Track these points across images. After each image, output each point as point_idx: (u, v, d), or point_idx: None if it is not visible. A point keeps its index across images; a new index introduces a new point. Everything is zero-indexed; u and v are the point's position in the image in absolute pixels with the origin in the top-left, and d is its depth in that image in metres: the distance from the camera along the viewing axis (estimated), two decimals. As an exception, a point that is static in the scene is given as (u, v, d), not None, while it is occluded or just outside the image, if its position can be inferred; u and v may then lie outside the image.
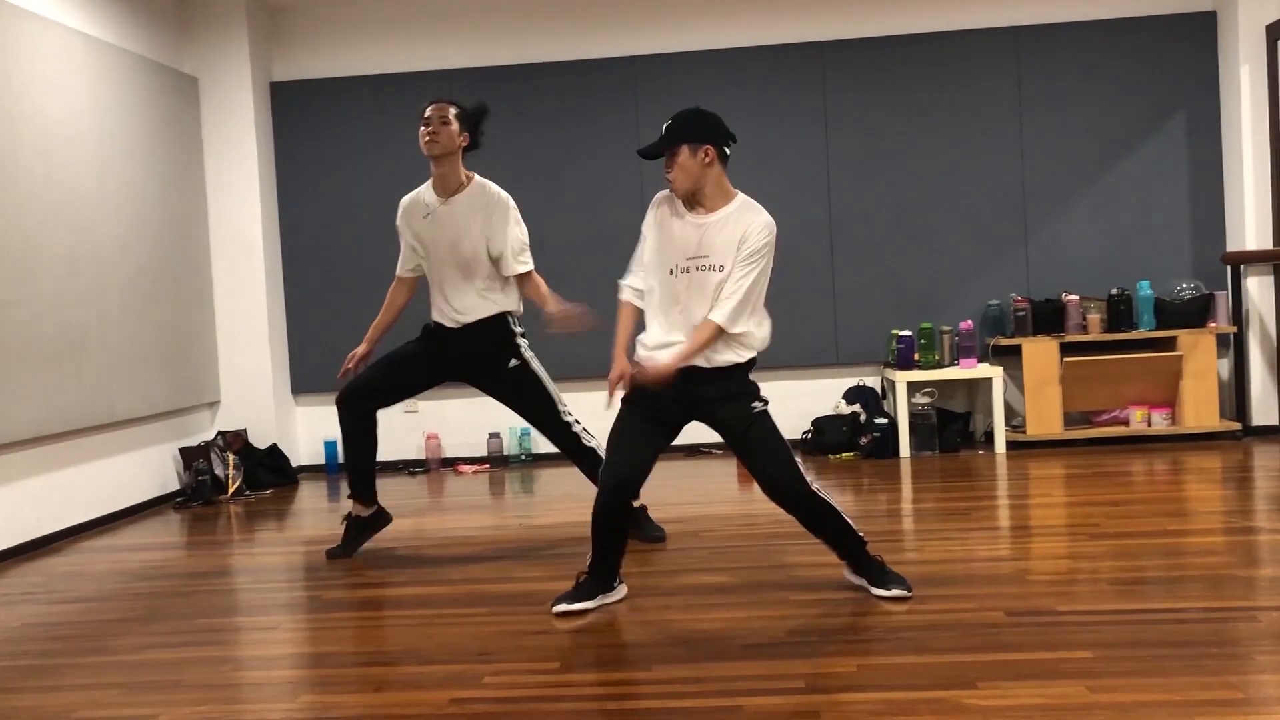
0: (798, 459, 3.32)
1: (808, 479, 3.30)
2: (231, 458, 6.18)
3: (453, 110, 4.17)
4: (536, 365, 4.26)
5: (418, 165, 6.74)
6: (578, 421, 4.30)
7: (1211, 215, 6.50)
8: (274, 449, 6.52)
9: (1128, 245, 6.54)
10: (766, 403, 3.37)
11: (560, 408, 4.27)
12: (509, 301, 4.21)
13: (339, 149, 6.85)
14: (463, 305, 4.17)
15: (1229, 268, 6.34)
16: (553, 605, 3.41)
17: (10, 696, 2.94)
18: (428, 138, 4.15)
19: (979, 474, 5.62)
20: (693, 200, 3.30)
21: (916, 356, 6.33)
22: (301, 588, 4.03)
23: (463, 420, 6.89)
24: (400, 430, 6.89)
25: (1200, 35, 6.47)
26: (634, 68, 6.67)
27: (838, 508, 3.35)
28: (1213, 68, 6.48)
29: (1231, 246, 6.44)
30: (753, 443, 3.31)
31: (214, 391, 6.55)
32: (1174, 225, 6.52)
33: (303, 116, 6.83)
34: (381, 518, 4.46)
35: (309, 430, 6.98)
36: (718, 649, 2.98)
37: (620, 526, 3.41)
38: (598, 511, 3.32)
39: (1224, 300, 6.29)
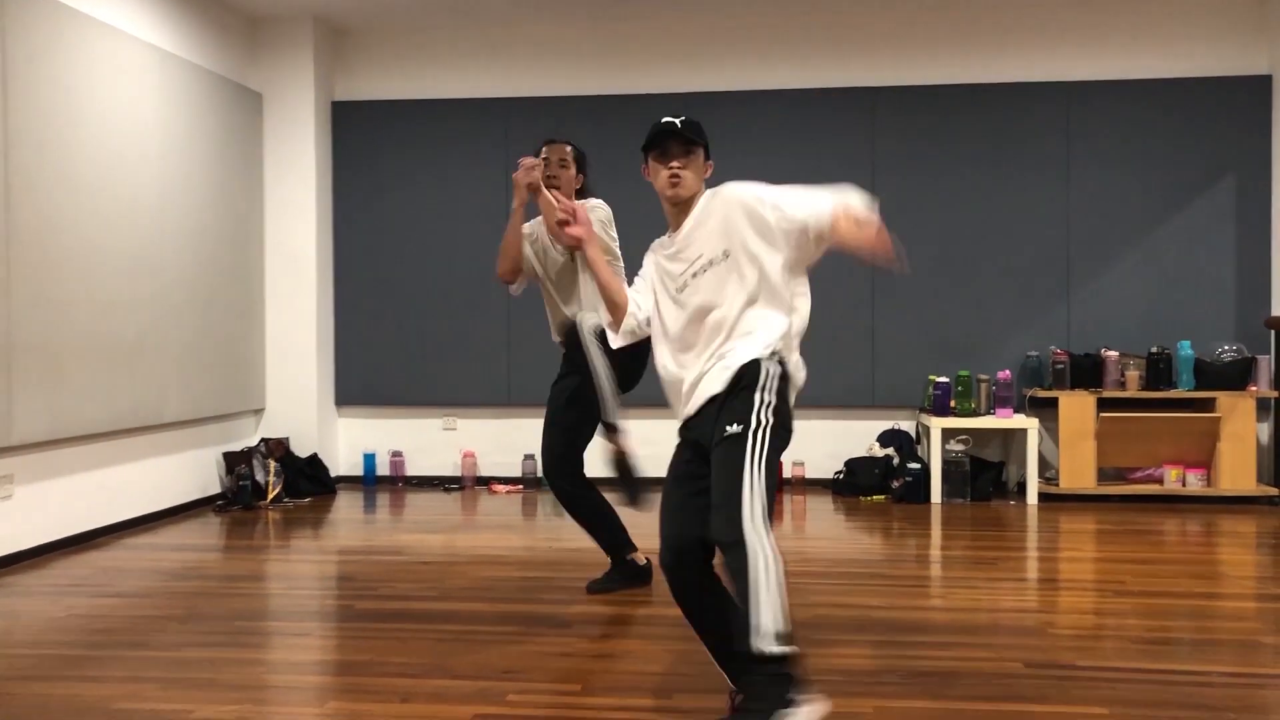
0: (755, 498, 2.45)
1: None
2: (273, 465, 6.31)
3: (569, 149, 4.19)
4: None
5: (472, 188, 6.96)
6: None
7: (1258, 279, 6.48)
8: (314, 459, 6.66)
9: (1171, 304, 6.53)
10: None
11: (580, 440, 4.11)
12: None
13: (395, 170, 7.01)
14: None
15: (1273, 332, 6.31)
16: None
17: (54, 684, 3.05)
18: (547, 179, 4.08)
19: (1009, 524, 5.62)
20: (679, 212, 2.90)
21: (953, 403, 6.35)
22: (334, 596, 4.12)
23: (499, 440, 7.00)
24: (438, 447, 7.02)
25: (1254, 98, 6.47)
26: (685, 104, 6.77)
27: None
28: (1265, 131, 6.47)
29: (1277, 311, 6.41)
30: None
31: (259, 399, 6.70)
32: (1219, 287, 6.50)
33: (361, 136, 7.01)
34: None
35: (349, 442, 7.11)
36: (738, 682, 3.02)
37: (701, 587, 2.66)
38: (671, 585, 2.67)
39: (1266, 365, 6.25)
